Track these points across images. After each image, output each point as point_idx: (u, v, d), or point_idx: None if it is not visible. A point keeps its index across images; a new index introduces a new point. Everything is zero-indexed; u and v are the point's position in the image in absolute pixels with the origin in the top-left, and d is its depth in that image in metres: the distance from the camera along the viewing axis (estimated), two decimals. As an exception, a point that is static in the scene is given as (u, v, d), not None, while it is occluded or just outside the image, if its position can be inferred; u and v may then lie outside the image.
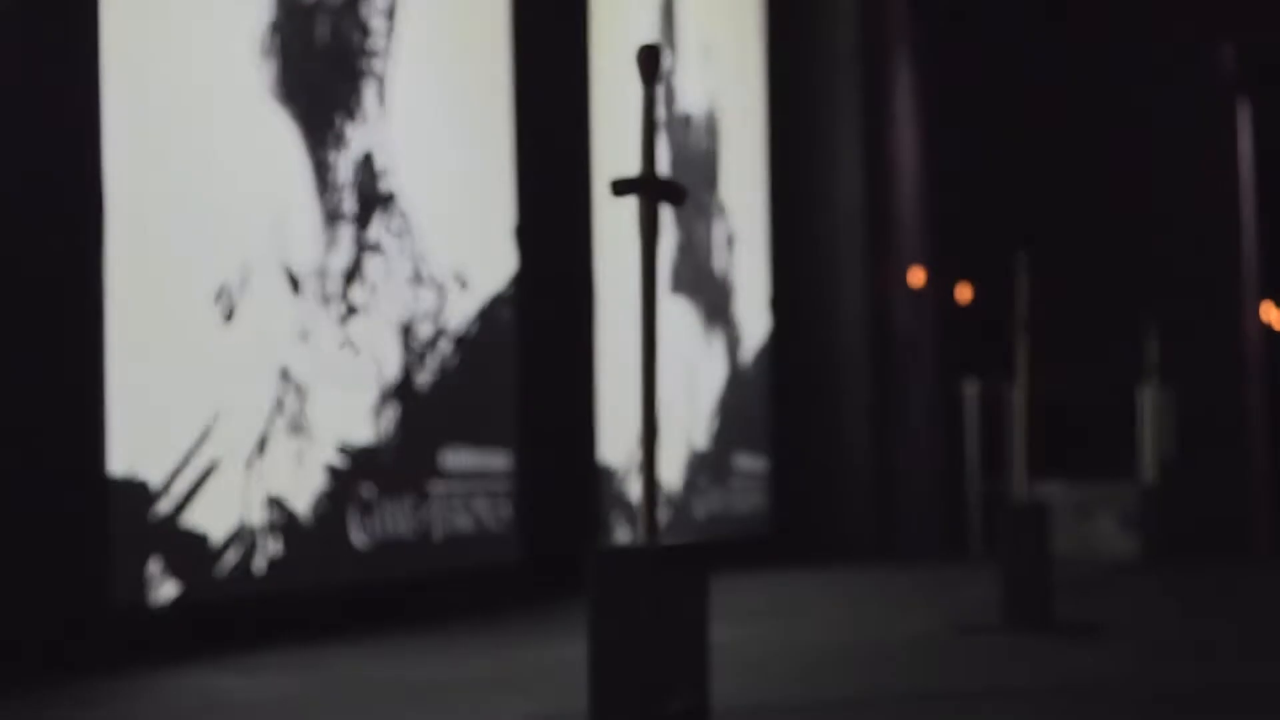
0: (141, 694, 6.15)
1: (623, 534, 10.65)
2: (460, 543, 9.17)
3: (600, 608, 4.40)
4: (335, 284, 8.24)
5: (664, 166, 11.22)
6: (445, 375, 9.10)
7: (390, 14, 8.76)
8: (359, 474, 8.35)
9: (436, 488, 8.97)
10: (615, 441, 10.60)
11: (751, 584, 10.77)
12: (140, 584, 6.95)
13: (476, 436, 9.38)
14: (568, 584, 9.13)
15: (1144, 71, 17.01)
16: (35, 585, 6.52)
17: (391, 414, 8.60)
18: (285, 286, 7.87)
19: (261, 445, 7.66)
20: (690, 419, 11.96)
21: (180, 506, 7.17)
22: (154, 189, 7.11)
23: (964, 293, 15.99)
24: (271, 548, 7.72)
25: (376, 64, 8.63)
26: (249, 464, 7.57)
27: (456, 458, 9.17)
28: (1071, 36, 16.73)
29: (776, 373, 13.30)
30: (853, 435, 13.62)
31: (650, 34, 11.51)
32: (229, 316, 7.51)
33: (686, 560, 4.74)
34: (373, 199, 8.56)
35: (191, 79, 7.37)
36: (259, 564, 7.63)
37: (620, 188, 4.61)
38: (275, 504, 7.75)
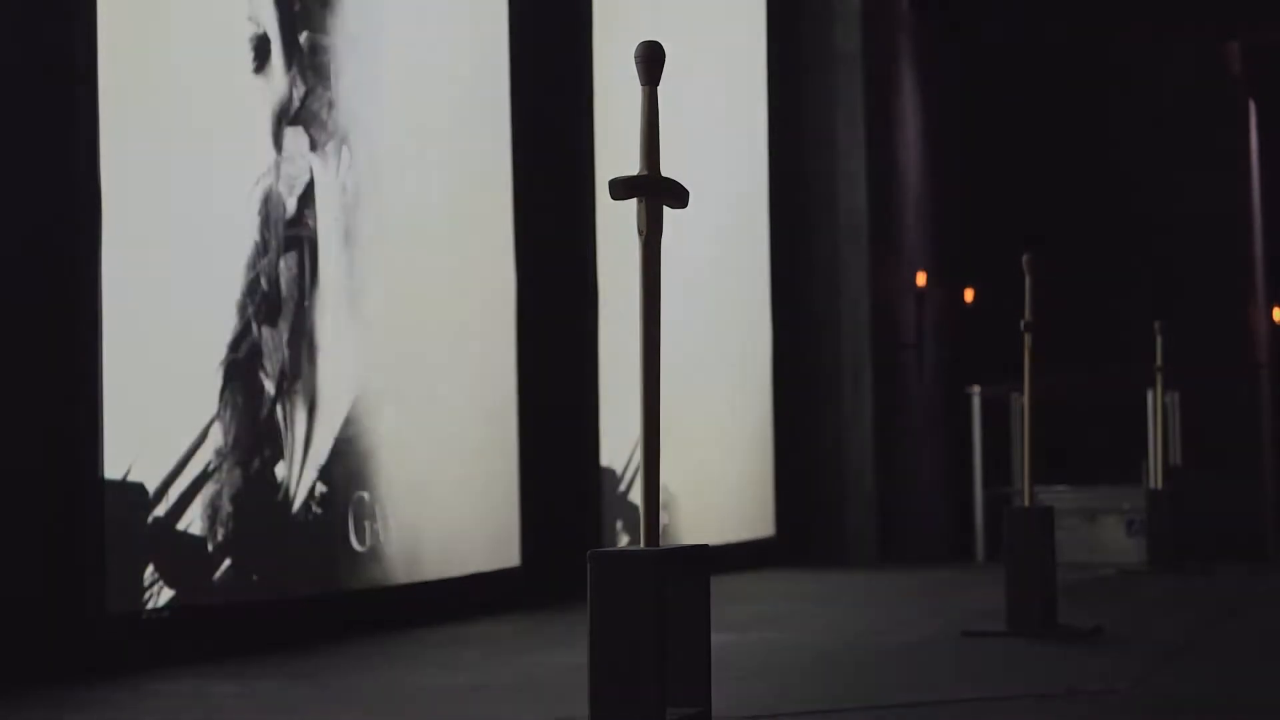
0: (137, 701, 6.10)
1: (624, 537, 10.61)
2: (460, 545, 9.12)
3: (601, 611, 4.35)
4: (333, 284, 8.19)
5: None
6: (445, 376, 9.05)
7: (390, 12, 8.72)
8: (357, 477, 8.30)
9: (436, 490, 8.91)
10: (617, 444, 10.55)
11: (753, 587, 10.72)
12: (136, 589, 6.89)
13: (476, 438, 9.33)
14: (569, 588, 9.09)
15: (1150, 71, 16.98)
16: (30, 590, 6.47)
17: (390, 416, 8.55)
18: (282, 287, 7.82)
19: (259, 448, 7.61)
20: (692, 421, 11.91)
21: (176, 510, 7.12)
22: (150, 192, 7.07)
23: (968, 295, 15.96)
24: (269, 552, 7.67)
25: (377, 62, 8.58)
26: (246, 467, 7.52)
27: (456, 460, 9.12)
28: (1075, 36, 16.71)
29: (779, 374, 13.26)
30: (856, 438, 13.57)
31: (651, 34, 11.45)
32: (226, 319, 7.47)
33: (688, 563, 4.70)
34: (372, 199, 8.51)
35: (188, 75, 7.32)
36: (256, 568, 7.57)
37: (620, 189, 4.55)
38: (272, 507, 7.70)
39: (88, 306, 6.74)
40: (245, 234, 7.63)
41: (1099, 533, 13.28)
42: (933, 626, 8.40)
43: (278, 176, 7.84)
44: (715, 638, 4.76)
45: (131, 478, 6.89)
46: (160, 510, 7.04)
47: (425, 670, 6.89)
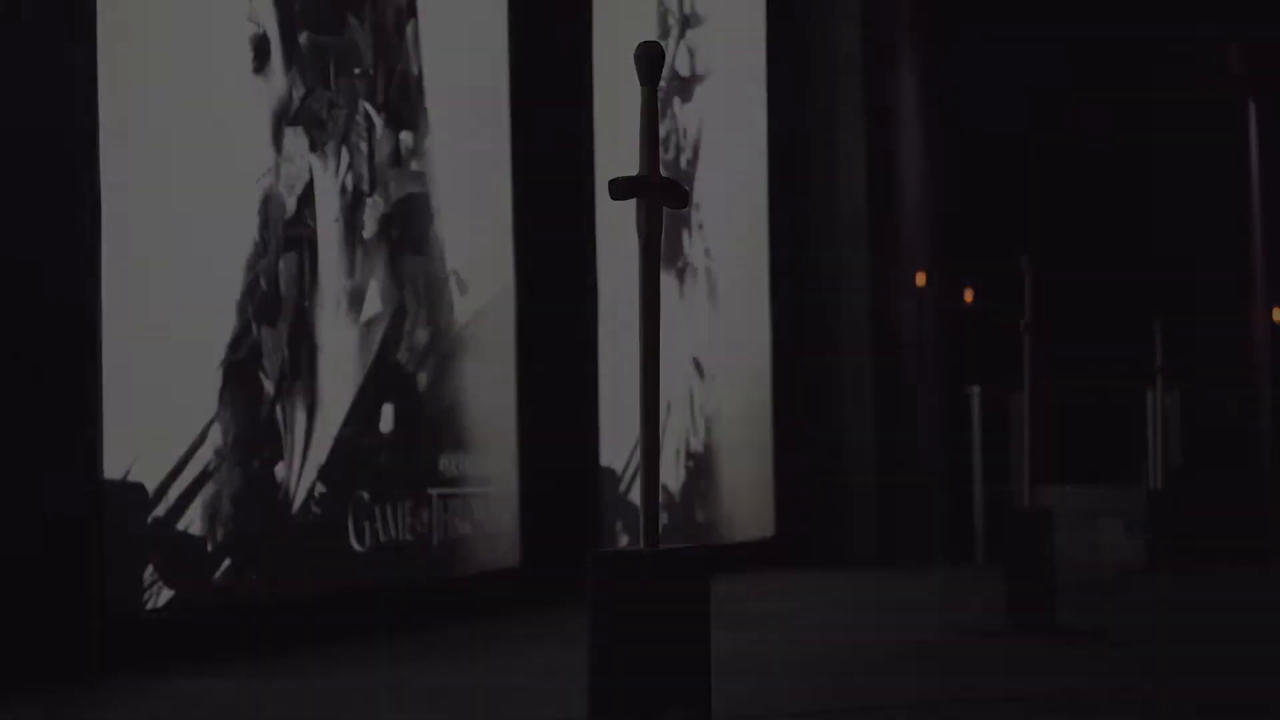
0: (137, 701, 6.10)
1: (623, 538, 10.60)
2: (460, 546, 9.12)
3: (600, 612, 4.34)
4: (334, 286, 8.19)
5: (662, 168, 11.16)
6: (445, 376, 9.05)
7: (392, 17, 8.72)
8: (358, 477, 8.30)
9: (436, 491, 8.92)
10: (616, 444, 10.55)
11: (753, 588, 10.72)
12: (136, 589, 6.89)
13: (477, 439, 9.33)
14: (568, 588, 9.09)
15: (1150, 71, 16.97)
16: (30, 590, 6.47)
17: (391, 416, 8.55)
18: (282, 287, 7.82)
19: (259, 448, 7.61)
20: (692, 422, 11.92)
21: (176, 511, 7.12)
22: (150, 192, 7.07)
23: (968, 296, 15.95)
24: (269, 552, 7.67)
25: (377, 64, 8.58)
26: (246, 467, 7.52)
27: (456, 460, 9.12)
28: (1076, 38, 16.70)
29: (779, 375, 13.25)
30: (856, 439, 13.57)
31: (651, 35, 11.46)
32: (226, 319, 7.47)
33: (687, 564, 4.69)
34: (373, 199, 8.51)
35: (188, 75, 7.32)
36: (256, 568, 7.57)
37: (619, 189, 4.54)
38: (273, 508, 7.70)
39: (88, 307, 6.74)
40: (245, 234, 7.63)
41: (1099, 533, 13.27)
42: (933, 626, 8.40)
43: (278, 176, 7.85)
44: (715, 638, 4.76)
45: (131, 478, 6.89)
46: (160, 510, 7.04)
47: (426, 670, 6.89)
